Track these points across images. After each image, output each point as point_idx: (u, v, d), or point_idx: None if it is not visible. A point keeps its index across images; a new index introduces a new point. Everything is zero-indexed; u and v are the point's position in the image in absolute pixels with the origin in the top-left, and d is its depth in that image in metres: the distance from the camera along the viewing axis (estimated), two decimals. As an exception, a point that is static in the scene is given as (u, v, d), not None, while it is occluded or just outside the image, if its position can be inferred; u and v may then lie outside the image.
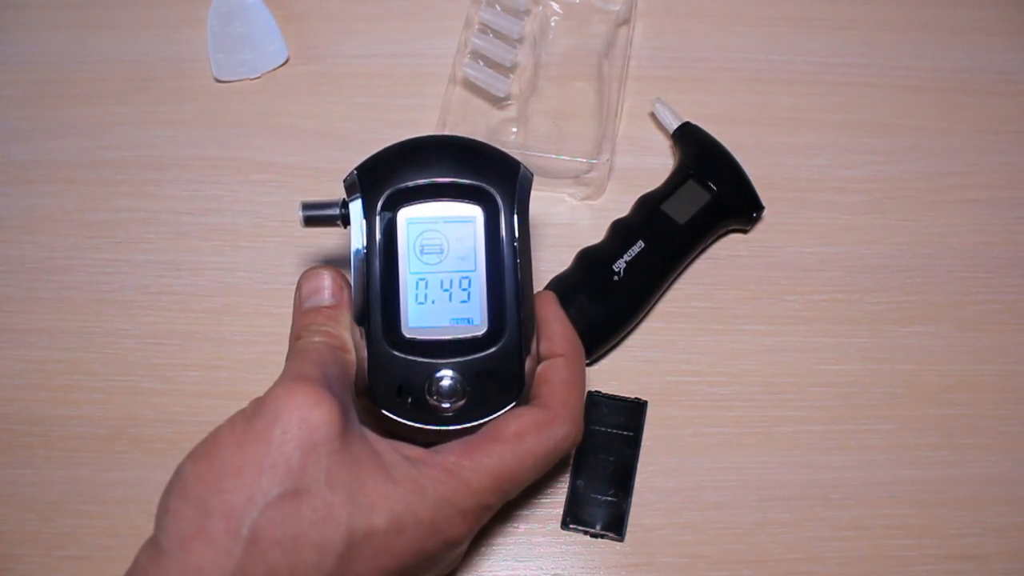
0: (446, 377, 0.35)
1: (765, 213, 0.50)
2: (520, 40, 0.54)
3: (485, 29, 0.54)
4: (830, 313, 0.48)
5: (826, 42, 0.57)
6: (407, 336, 0.35)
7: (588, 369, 0.46)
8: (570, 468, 0.44)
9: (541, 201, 0.51)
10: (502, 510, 0.42)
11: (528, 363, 0.36)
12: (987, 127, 0.54)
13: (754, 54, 0.57)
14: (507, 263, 0.36)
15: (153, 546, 0.30)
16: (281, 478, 0.29)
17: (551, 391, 0.36)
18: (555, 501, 0.43)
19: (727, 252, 0.50)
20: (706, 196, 0.48)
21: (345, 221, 0.37)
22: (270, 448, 0.29)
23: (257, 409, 0.31)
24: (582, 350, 0.38)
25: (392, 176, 0.36)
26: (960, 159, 0.53)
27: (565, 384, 0.36)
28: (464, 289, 0.36)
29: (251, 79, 0.55)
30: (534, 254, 0.48)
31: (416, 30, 0.57)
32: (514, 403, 0.36)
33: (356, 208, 0.36)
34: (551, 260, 0.48)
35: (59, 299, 0.48)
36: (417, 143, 0.38)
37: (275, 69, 0.55)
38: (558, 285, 0.46)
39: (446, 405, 0.35)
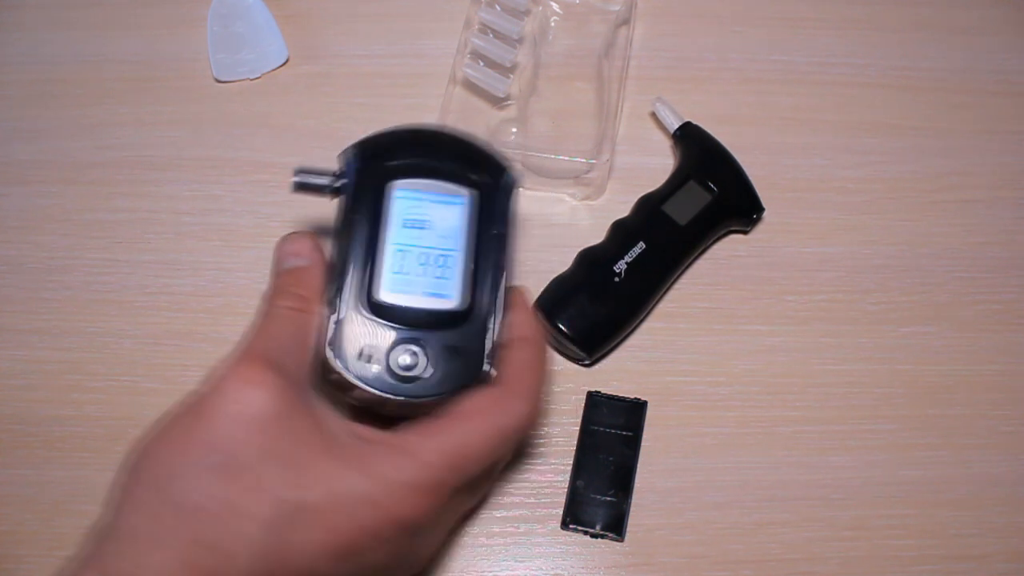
0: (411, 345, 0.35)
1: (765, 213, 0.50)
2: (520, 40, 0.54)
3: (485, 29, 0.54)
4: (830, 313, 0.48)
5: (826, 42, 0.57)
6: (378, 300, 0.36)
7: (588, 369, 0.46)
8: (570, 468, 0.44)
9: (541, 201, 0.51)
10: (502, 511, 0.42)
11: (495, 346, 0.36)
12: (986, 127, 0.54)
13: (754, 54, 0.57)
14: (486, 249, 0.37)
15: (100, 518, 0.31)
16: (215, 452, 0.30)
17: (508, 371, 0.36)
18: (555, 501, 0.43)
19: (727, 252, 0.50)
20: (707, 197, 0.48)
21: (336, 192, 0.38)
22: (209, 425, 0.31)
23: (204, 388, 0.32)
24: (543, 336, 0.37)
25: (388, 153, 0.38)
26: (960, 159, 0.53)
27: (522, 364, 0.36)
28: (441, 266, 0.37)
29: (251, 79, 0.55)
30: (536, 254, 0.48)
31: (416, 30, 0.57)
32: (476, 381, 0.36)
33: (349, 177, 0.38)
34: (551, 260, 0.48)
35: (59, 299, 0.48)
36: (416, 128, 0.40)
37: (275, 69, 0.55)
38: (559, 286, 0.46)
39: (407, 374, 0.35)
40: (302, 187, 0.39)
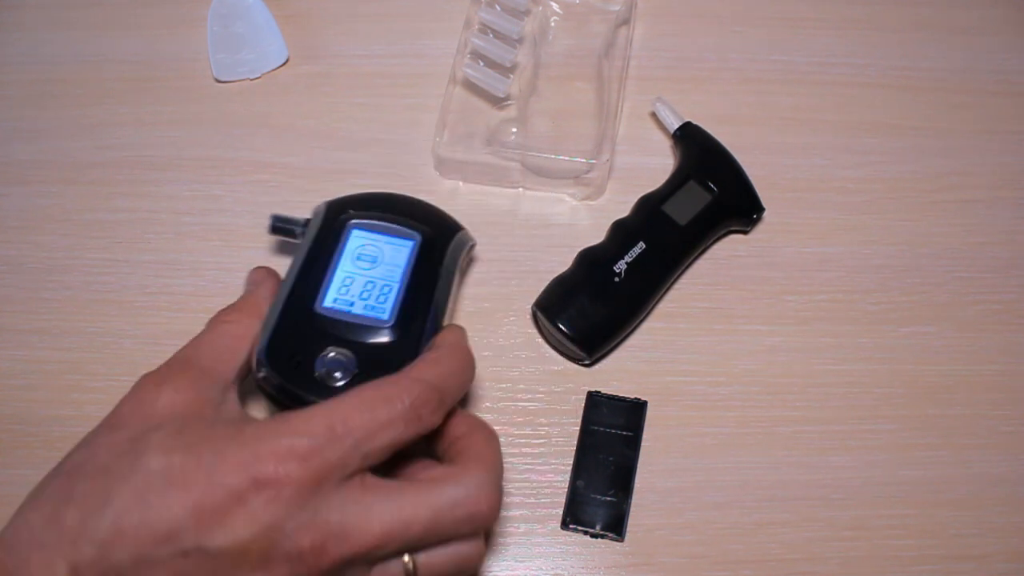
0: (340, 354, 0.37)
1: (765, 213, 0.50)
2: (520, 40, 0.54)
3: (485, 29, 0.54)
4: (830, 313, 0.48)
5: (826, 42, 0.57)
6: (315, 312, 0.39)
7: (588, 369, 0.46)
8: (570, 468, 0.44)
9: (541, 201, 0.51)
10: (502, 510, 0.42)
11: None
12: (986, 127, 0.54)
13: (754, 54, 0.57)
14: (428, 285, 0.41)
15: None
16: (113, 429, 0.34)
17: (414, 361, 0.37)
18: (555, 501, 0.43)
19: (727, 252, 0.50)
20: (707, 197, 0.48)
21: (304, 233, 0.43)
22: (117, 416, 0.35)
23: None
24: (463, 348, 0.38)
25: (354, 206, 0.43)
26: (960, 159, 0.53)
27: (429, 354, 0.37)
28: (383, 293, 0.40)
29: (251, 79, 0.55)
30: (536, 254, 0.49)
31: (416, 30, 0.57)
32: None
33: (316, 219, 0.43)
34: (551, 260, 0.48)
35: (59, 299, 0.48)
36: (387, 192, 0.45)
37: (275, 69, 0.56)
38: (559, 286, 0.46)
39: (335, 383, 0.37)
40: (276, 230, 0.45)
